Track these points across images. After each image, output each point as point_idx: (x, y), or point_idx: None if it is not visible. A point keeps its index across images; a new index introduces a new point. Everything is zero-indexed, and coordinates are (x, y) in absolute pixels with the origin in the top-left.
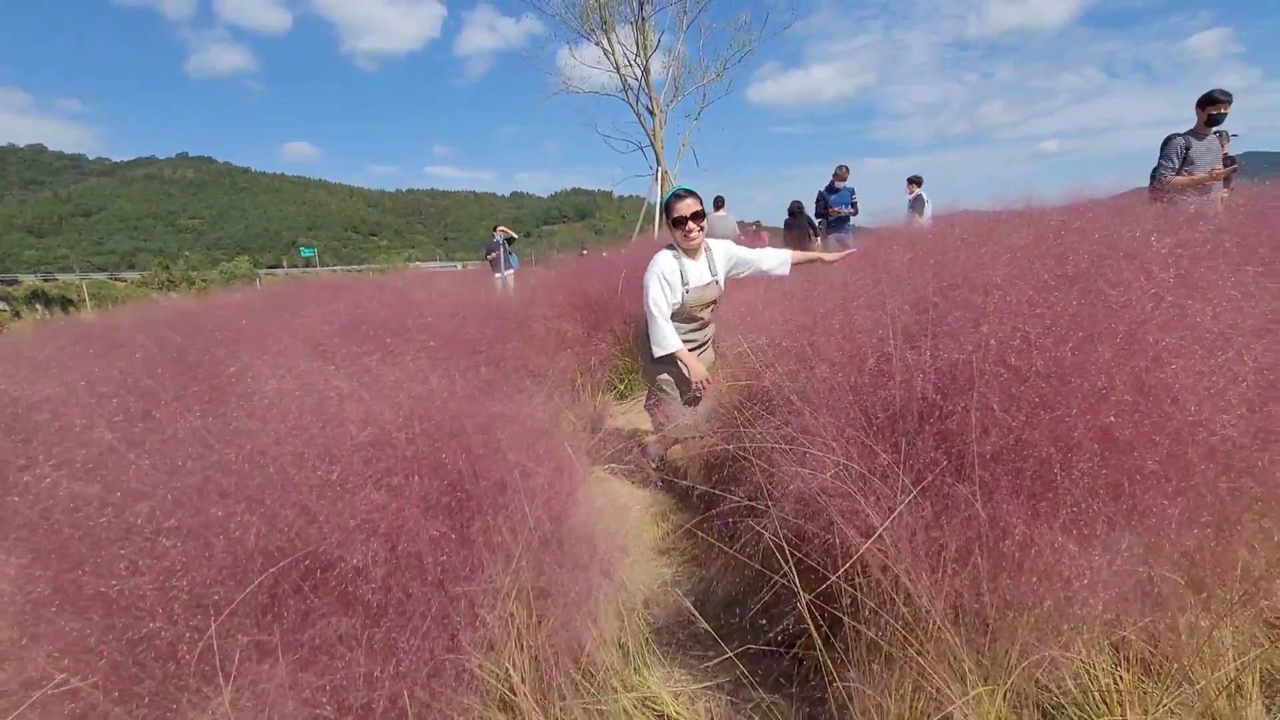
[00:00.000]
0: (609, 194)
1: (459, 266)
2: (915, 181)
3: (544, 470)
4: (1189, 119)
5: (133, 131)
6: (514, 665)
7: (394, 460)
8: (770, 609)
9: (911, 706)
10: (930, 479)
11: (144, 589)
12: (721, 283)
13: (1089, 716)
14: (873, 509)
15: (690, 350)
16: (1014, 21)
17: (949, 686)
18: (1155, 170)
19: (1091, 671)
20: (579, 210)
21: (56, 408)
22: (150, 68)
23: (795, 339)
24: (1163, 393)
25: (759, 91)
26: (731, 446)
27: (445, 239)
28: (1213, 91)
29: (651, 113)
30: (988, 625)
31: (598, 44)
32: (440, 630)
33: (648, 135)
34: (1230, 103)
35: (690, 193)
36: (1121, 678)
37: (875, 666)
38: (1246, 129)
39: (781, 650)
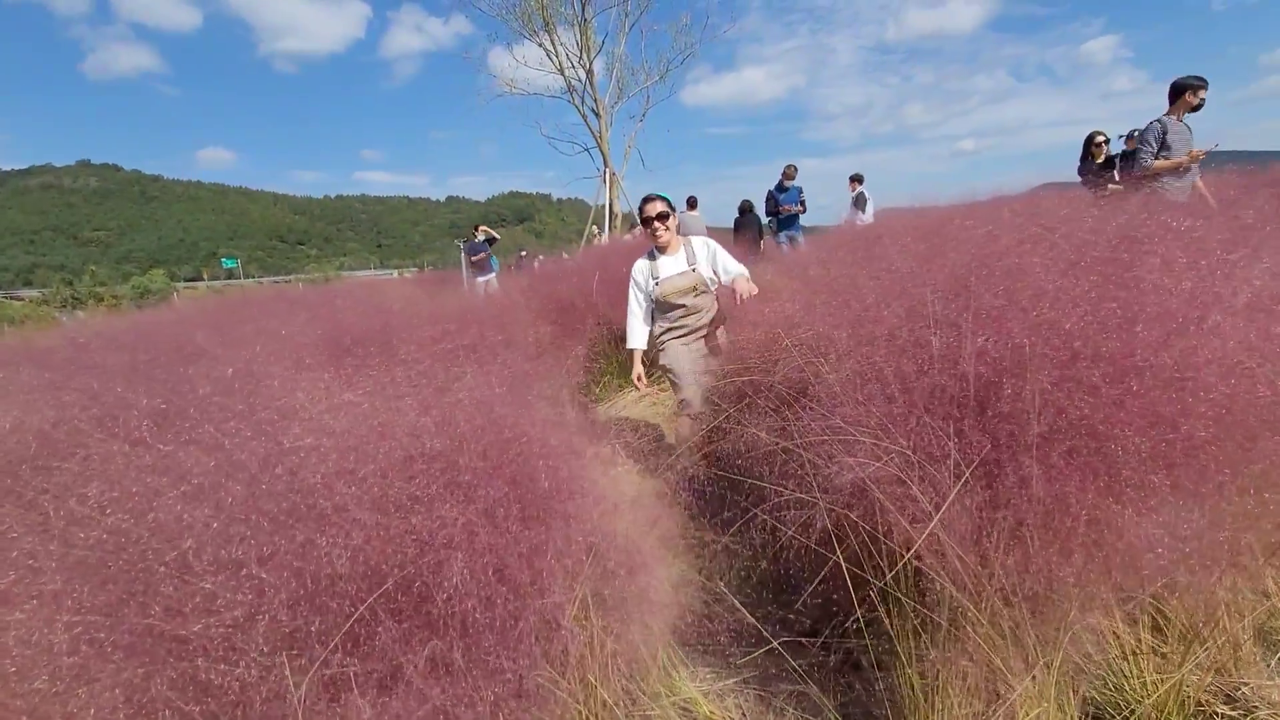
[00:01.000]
0: (548, 197)
1: (394, 274)
2: (857, 179)
3: (595, 475)
4: (1090, 119)
5: (23, 137)
6: (595, 678)
7: (464, 471)
8: (791, 602)
9: (964, 687)
10: (978, 463)
11: (214, 628)
12: (703, 270)
13: (1113, 674)
14: (925, 495)
15: (679, 336)
16: (930, 27)
17: (1005, 663)
18: (1135, 155)
19: (1117, 634)
20: (517, 214)
21: (73, 434)
22: (41, 68)
23: (839, 330)
24: (1209, 368)
25: (693, 94)
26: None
27: (379, 246)
28: (1188, 78)
29: (597, 114)
30: (1037, 601)
31: (540, 45)
32: (531, 646)
33: (594, 137)
34: (1206, 86)
35: (658, 197)
36: (1141, 639)
37: (929, 648)
38: (1131, 127)
39: (801, 641)
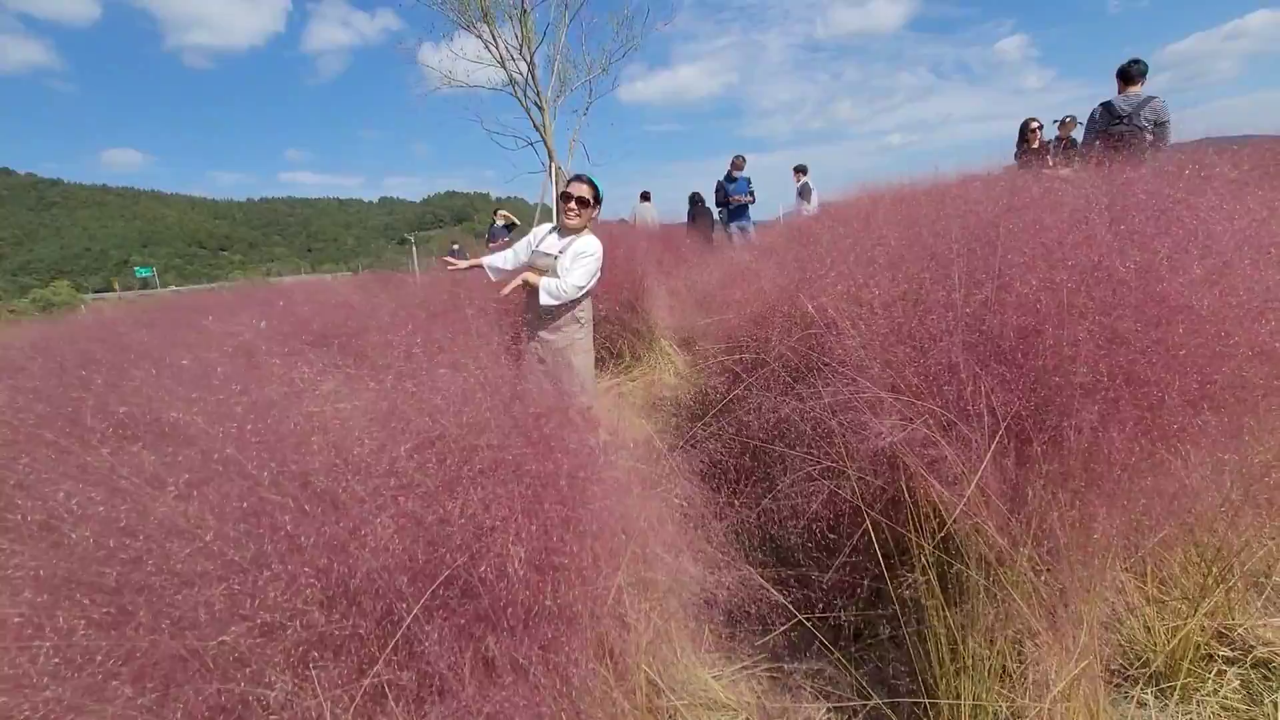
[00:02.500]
0: (486, 196)
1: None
2: (801, 170)
3: (616, 459)
4: (1005, 114)
5: None
6: (646, 665)
7: (504, 449)
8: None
9: (993, 649)
10: (1012, 417)
11: (240, 639)
12: (562, 261)
13: (1129, 630)
14: (959, 456)
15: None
16: (855, 25)
17: (1034, 622)
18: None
19: (1128, 593)
20: (455, 214)
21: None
22: None
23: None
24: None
25: (630, 91)
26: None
27: (309, 250)
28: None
29: (540, 107)
30: (1067, 560)
31: (478, 36)
32: (585, 636)
33: (538, 131)
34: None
35: (588, 181)
36: (1150, 594)
37: (958, 611)
38: (1046, 122)
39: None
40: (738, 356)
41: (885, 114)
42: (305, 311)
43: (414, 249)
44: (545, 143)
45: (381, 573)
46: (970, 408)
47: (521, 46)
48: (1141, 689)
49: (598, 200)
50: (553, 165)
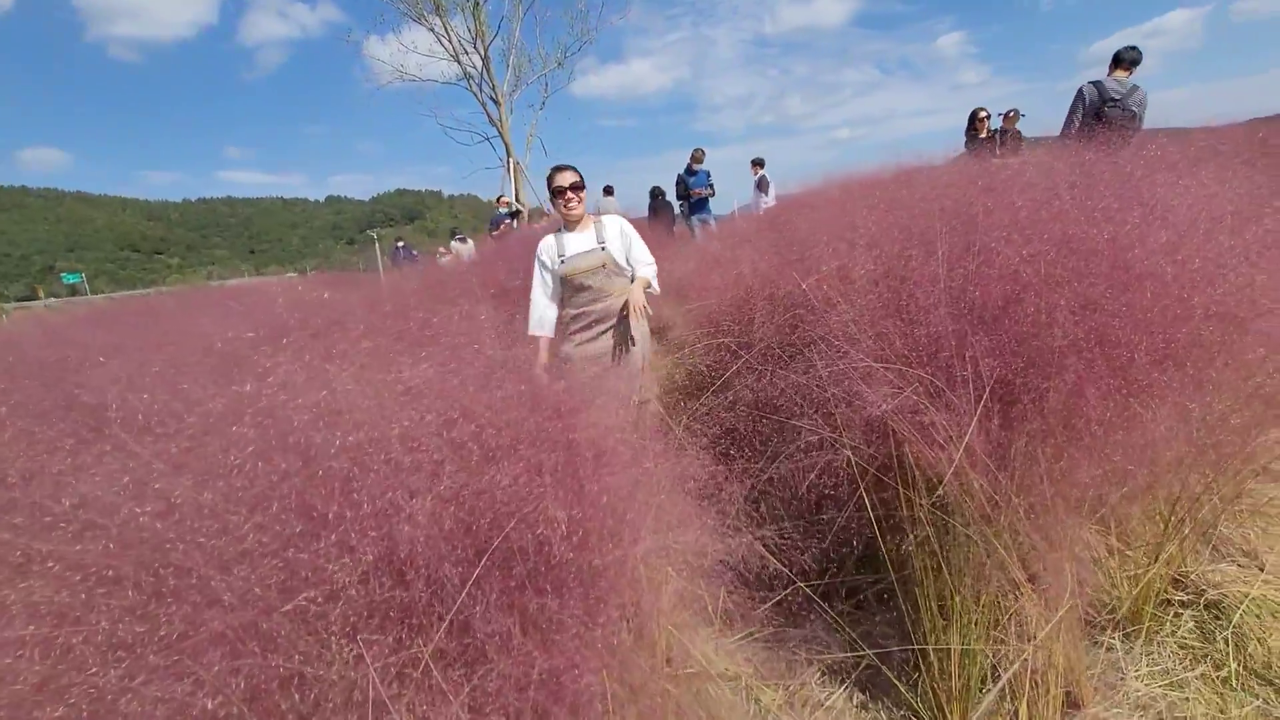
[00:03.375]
0: (438, 194)
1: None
2: (758, 163)
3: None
4: (945, 108)
5: None
6: (675, 629)
7: (531, 432)
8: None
9: (979, 603)
10: (994, 383)
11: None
12: (613, 250)
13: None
14: (946, 422)
15: (584, 327)
16: (802, 21)
17: (1016, 575)
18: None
19: (1093, 547)
20: (406, 213)
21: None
22: None
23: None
24: (1202, 272)
25: (583, 85)
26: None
27: (251, 252)
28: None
29: (496, 102)
30: (1045, 516)
31: (430, 29)
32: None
33: (495, 126)
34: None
35: (569, 167)
36: (1114, 547)
37: (946, 569)
38: (996, 114)
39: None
40: (723, 340)
41: (833, 109)
42: (282, 308)
43: (377, 246)
44: (503, 137)
45: (430, 541)
46: (957, 374)
47: (476, 40)
48: (1110, 635)
49: (585, 184)
50: (511, 160)
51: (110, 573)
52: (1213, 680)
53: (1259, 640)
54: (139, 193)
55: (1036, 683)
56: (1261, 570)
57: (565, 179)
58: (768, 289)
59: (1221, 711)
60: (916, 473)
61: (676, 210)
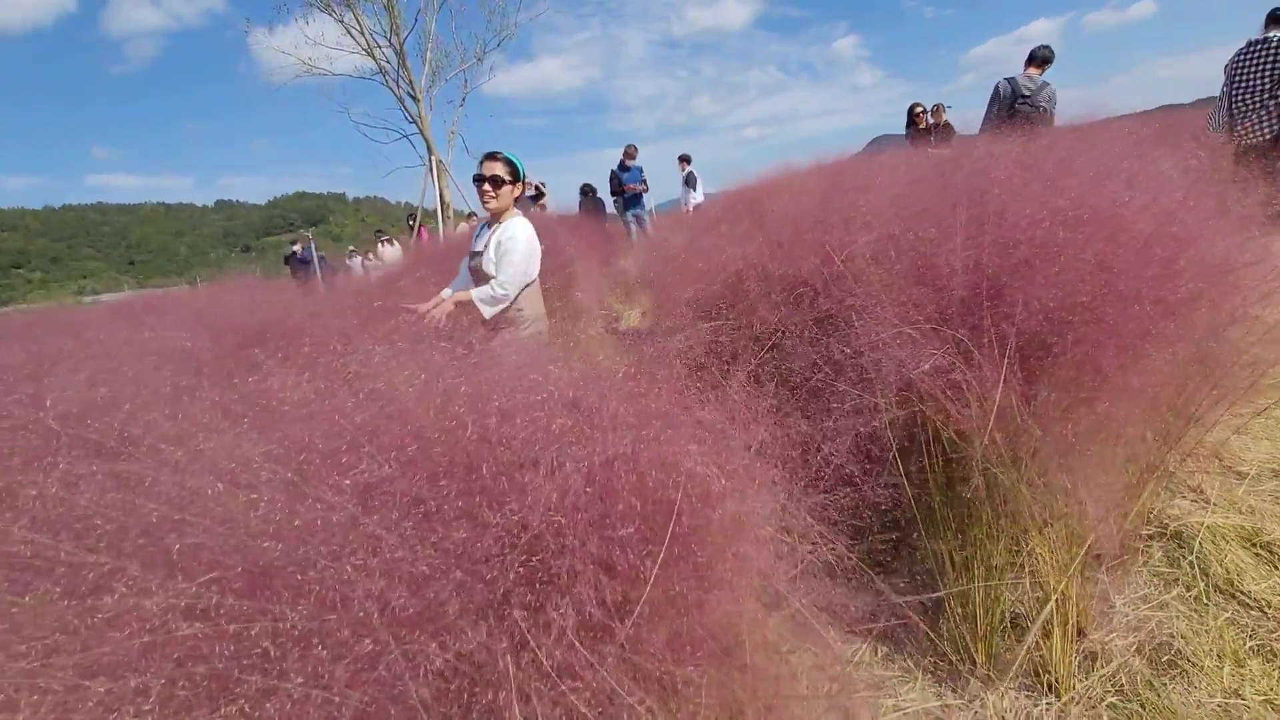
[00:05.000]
0: (341, 196)
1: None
2: (685, 159)
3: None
4: (845, 109)
5: None
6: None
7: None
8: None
9: (997, 546)
10: (1014, 345)
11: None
12: (490, 258)
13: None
14: (973, 380)
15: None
16: (708, 23)
17: (1031, 517)
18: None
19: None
20: (307, 217)
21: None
22: None
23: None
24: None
25: (493, 83)
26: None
27: (131, 264)
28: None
29: (414, 98)
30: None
31: (339, 20)
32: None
33: (415, 123)
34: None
35: (500, 157)
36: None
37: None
38: (878, 117)
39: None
40: (723, 322)
41: (741, 109)
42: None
43: (313, 245)
44: (423, 134)
45: (563, 511)
46: (984, 336)
47: (390, 34)
48: (1097, 570)
49: (516, 178)
50: (433, 159)
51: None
52: (1187, 599)
53: (1217, 561)
54: None
55: (1051, 618)
56: (1208, 504)
57: (484, 168)
58: (756, 271)
59: (1200, 623)
60: (945, 428)
61: (609, 208)
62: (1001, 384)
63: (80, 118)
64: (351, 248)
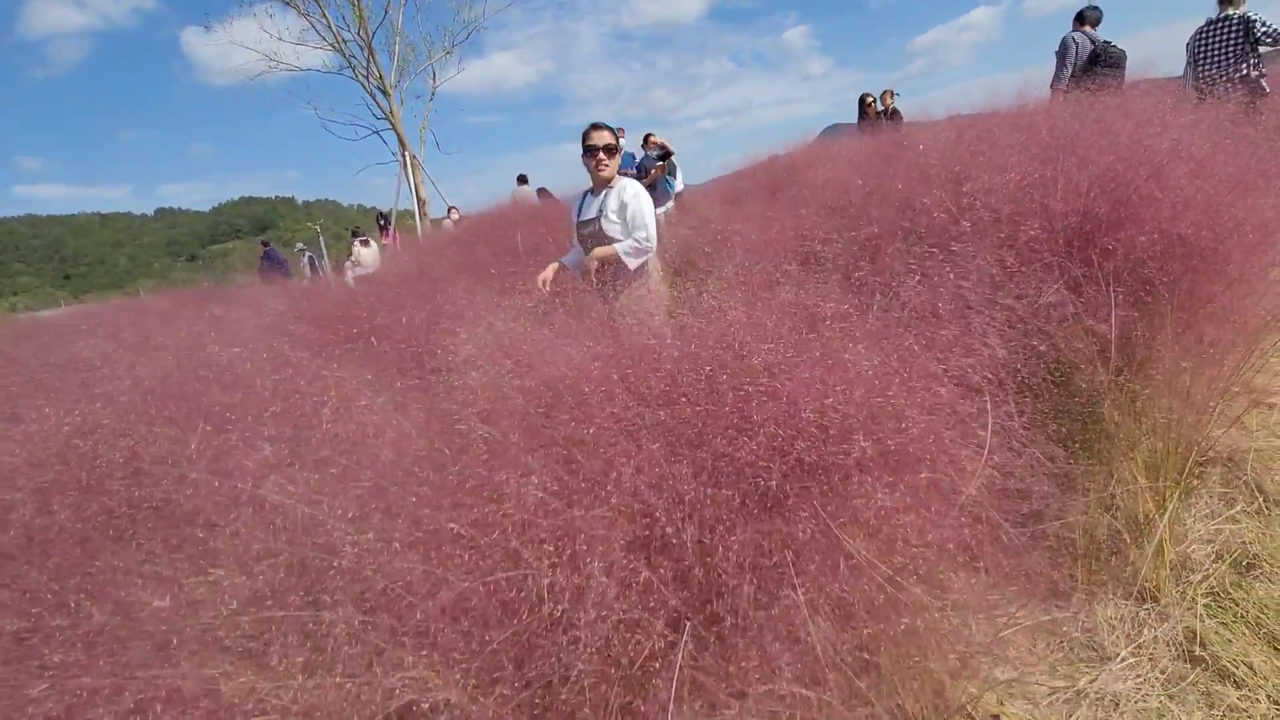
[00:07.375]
0: (290, 200)
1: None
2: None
3: None
4: (798, 98)
5: None
6: None
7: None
8: None
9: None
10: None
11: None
12: (608, 222)
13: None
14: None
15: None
16: (660, 15)
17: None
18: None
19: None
20: (255, 223)
21: None
22: None
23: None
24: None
25: (447, 81)
26: None
27: (66, 278)
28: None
29: (385, 92)
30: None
31: (305, 14)
32: None
33: (387, 118)
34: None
35: (605, 126)
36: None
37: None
38: (830, 106)
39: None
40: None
41: (697, 100)
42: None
43: (321, 244)
44: (395, 130)
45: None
46: (1095, 270)
47: (359, 28)
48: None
49: (618, 145)
50: (406, 154)
51: None
52: (1250, 513)
53: (1270, 479)
54: None
55: (1155, 531)
56: (1250, 432)
57: (599, 138)
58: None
59: (1267, 531)
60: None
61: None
62: (1114, 311)
63: (3, 126)
64: (301, 245)
